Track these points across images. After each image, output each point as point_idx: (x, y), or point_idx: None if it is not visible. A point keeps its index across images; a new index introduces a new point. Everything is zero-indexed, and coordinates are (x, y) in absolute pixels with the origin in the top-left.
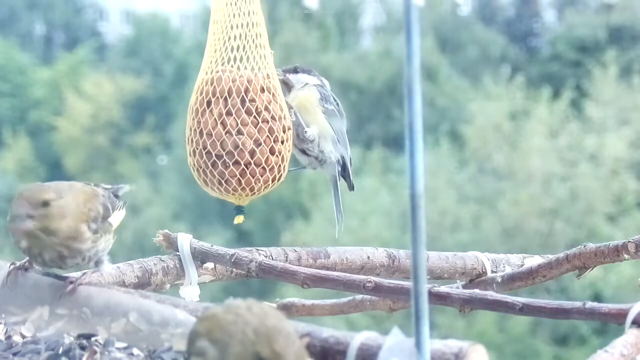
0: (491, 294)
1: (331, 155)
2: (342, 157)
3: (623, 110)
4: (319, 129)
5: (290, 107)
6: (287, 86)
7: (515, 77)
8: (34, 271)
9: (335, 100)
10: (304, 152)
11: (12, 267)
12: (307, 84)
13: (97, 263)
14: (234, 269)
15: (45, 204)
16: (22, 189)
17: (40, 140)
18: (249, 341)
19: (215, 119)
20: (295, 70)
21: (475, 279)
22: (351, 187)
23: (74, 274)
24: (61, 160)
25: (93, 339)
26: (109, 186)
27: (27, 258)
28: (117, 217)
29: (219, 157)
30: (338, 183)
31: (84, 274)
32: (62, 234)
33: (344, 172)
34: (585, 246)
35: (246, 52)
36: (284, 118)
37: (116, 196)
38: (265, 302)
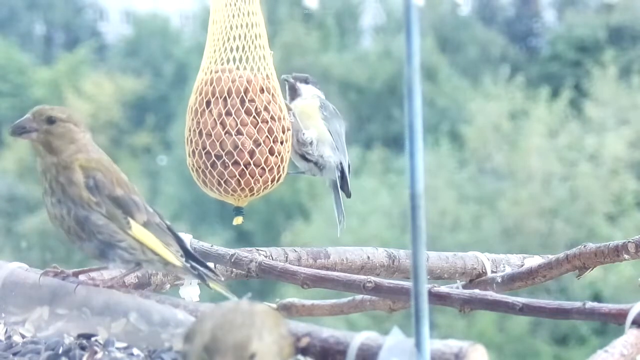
0: (491, 294)
1: (330, 160)
2: (341, 163)
3: (622, 110)
4: (318, 134)
5: (289, 109)
6: (293, 92)
7: (515, 77)
8: (60, 277)
9: (334, 110)
10: (303, 157)
11: (50, 269)
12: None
13: (103, 254)
14: (234, 269)
15: (51, 120)
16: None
17: None
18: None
19: (214, 119)
20: (306, 81)
21: (475, 279)
22: (349, 195)
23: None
24: None
25: (93, 339)
26: (158, 212)
27: (72, 271)
28: (141, 230)
29: (218, 157)
30: (338, 185)
31: (112, 278)
32: (62, 155)
33: (342, 179)
34: (585, 246)
35: (246, 52)
36: (284, 118)
37: (171, 231)
38: (265, 302)
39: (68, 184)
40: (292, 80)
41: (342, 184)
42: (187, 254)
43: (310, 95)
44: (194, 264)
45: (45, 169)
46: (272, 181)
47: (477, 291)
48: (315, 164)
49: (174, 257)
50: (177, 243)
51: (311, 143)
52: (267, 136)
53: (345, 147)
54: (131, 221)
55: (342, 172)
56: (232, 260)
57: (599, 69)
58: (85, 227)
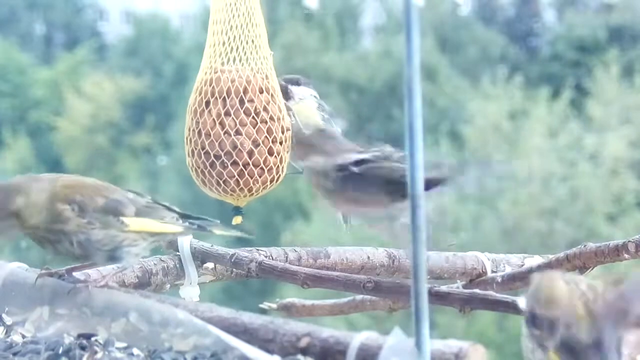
0: (491, 294)
1: None
2: None
3: (624, 109)
4: None
5: (289, 109)
6: (285, 95)
7: (515, 77)
8: (56, 276)
9: (331, 110)
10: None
11: (44, 271)
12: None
13: (112, 259)
14: (234, 269)
15: (16, 214)
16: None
17: (40, 140)
18: None
19: (213, 119)
20: (298, 82)
21: (475, 279)
22: None
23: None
24: (61, 160)
25: (93, 339)
26: (146, 197)
27: (65, 269)
28: (136, 221)
29: (217, 157)
30: None
31: (103, 277)
32: (43, 224)
33: None
34: (585, 246)
35: (245, 52)
36: (283, 119)
37: (181, 216)
38: (266, 302)
39: (64, 222)
40: (283, 83)
41: None
42: (181, 215)
43: (306, 97)
44: (192, 221)
45: (33, 237)
46: (271, 181)
47: (477, 291)
48: None
49: (173, 226)
50: (168, 211)
51: None
52: (266, 136)
53: None
54: (124, 219)
55: None
56: (232, 260)
57: (600, 69)
58: (90, 247)
